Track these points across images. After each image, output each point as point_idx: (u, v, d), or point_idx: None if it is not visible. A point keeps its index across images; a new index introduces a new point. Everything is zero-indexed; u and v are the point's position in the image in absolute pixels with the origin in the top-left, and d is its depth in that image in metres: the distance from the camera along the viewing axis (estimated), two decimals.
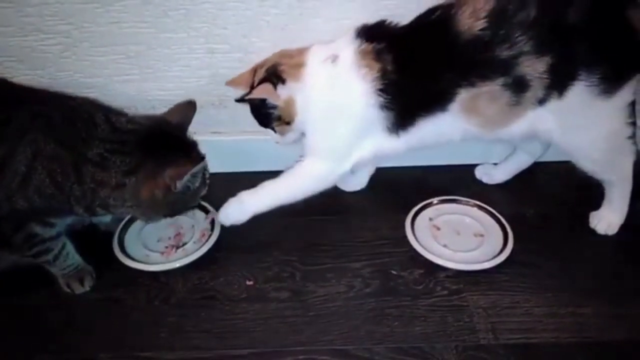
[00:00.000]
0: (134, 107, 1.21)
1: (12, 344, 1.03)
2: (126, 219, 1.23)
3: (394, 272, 1.15)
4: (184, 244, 1.21)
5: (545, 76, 0.99)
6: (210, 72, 1.26)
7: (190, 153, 1.02)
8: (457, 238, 1.22)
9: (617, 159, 1.13)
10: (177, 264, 1.16)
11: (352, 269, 1.16)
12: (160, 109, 1.12)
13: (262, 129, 1.15)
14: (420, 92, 1.05)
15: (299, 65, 1.08)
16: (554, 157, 1.30)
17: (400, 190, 1.35)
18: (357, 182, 1.35)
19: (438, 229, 1.24)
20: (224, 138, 1.35)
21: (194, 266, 1.16)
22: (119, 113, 1.02)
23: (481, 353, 0.99)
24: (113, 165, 0.96)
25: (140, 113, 1.09)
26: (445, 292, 1.11)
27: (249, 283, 1.13)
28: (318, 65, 1.07)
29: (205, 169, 1.05)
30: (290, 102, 1.08)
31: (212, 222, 1.23)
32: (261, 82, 1.08)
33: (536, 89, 1.00)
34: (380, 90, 1.03)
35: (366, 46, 1.04)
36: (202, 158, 1.02)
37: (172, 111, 1.06)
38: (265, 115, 1.11)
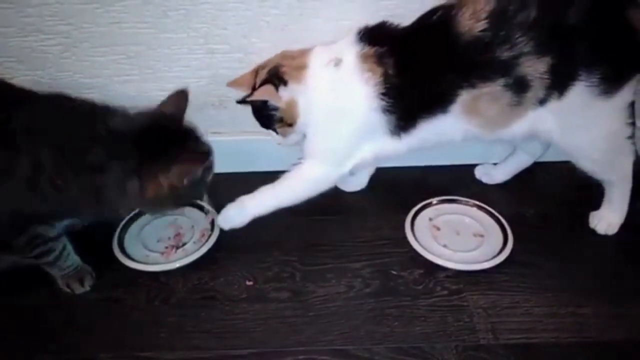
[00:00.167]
0: (134, 107, 1.21)
1: (12, 344, 1.03)
2: (126, 219, 1.24)
3: (394, 272, 1.15)
4: (184, 244, 1.21)
5: (546, 76, 0.99)
6: (210, 73, 1.26)
7: (193, 145, 1.00)
8: (457, 238, 1.22)
9: (616, 159, 1.13)
10: (177, 264, 1.16)
11: (352, 269, 1.16)
12: None
13: (263, 129, 1.15)
14: (421, 94, 1.05)
15: (301, 67, 1.08)
16: (554, 157, 1.30)
17: (400, 190, 1.35)
18: (358, 183, 1.35)
19: (438, 229, 1.24)
20: (224, 138, 1.35)
21: (193, 266, 1.16)
22: (115, 111, 0.99)
23: (481, 353, 0.99)
24: (113, 170, 0.95)
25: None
26: (445, 292, 1.11)
27: (249, 283, 1.14)
28: (320, 68, 1.07)
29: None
30: (292, 104, 1.08)
31: (212, 222, 1.23)
32: (263, 83, 1.08)
33: (537, 89, 1.00)
34: (383, 94, 1.03)
35: (368, 50, 1.04)
36: (207, 150, 1.00)
37: (165, 102, 1.04)
38: (267, 116, 1.11)
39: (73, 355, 1.02)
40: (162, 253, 1.19)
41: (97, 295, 1.12)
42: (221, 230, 1.20)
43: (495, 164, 1.37)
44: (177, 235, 1.23)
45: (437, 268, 1.14)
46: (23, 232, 1.01)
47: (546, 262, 1.15)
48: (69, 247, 1.10)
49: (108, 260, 1.16)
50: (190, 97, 1.06)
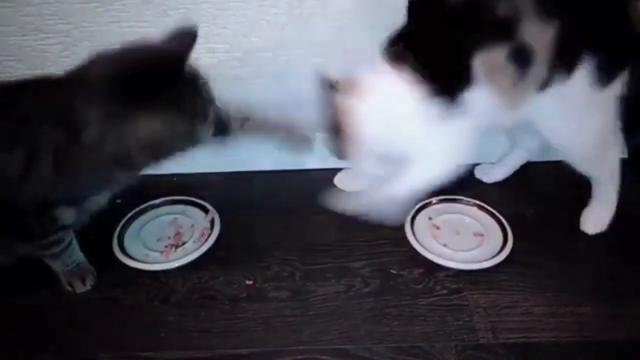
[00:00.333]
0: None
1: (13, 344, 1.03)
2: (125, 218, 1.24)
3: (393, 271, 1.15)
4: (184, 243, 1.21)
5: (550, 50, 0.94)
6: (210, 72, 1.26)
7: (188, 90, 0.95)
8: (457, 237, 1.22)
9: (605, 154, 1.13)
10: (176, 264, 1.16)
11: (352, 269, 1.16)
12: None
13: None
14: (447, 71, 0.99)
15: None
16: (554, 157, 1.29)
17: None
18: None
19: (438, 228, 1.24)
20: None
21: (193, 266, 1.16)
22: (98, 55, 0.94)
23: (481, 352, 1.00)
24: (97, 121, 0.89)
25: None
26: (445, 291, 1.11)
27: (248, 282, 1.14)
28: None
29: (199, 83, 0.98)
30: None
31: (212, 222, 1.23)
32: None
33: (540, 64, 0.96)
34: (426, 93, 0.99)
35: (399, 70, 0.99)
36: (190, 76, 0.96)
37: (168, 39, 0.96)
38: None
39: (73, 355, 1.02)
40: (162, 252, 1.19)
41: (97, 295, 1.12)
42: (221, 230, 1.20)
43: (494, 163, 1.38)
44: (177, 234, 1.23)
45: (437, 267, 1.14)
46: (45, 212, 0.98)
47: (546, 261, 1.15)
48: (75, 243, 1.10)
49: (108, 259, 1.16)
50: None
